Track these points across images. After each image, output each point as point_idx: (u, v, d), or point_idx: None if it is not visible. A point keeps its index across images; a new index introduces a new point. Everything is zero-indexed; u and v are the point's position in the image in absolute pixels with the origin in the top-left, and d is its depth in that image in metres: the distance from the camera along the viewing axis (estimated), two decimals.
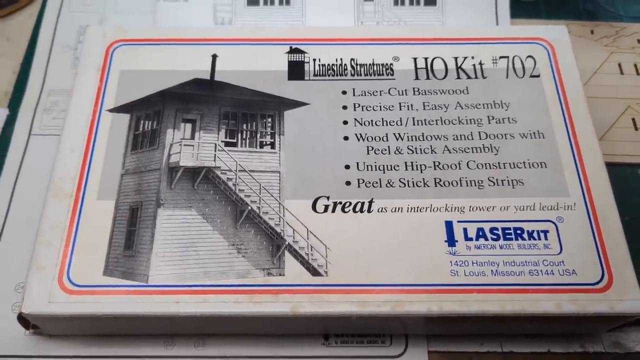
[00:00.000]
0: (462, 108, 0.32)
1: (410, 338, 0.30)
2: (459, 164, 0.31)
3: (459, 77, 0.33)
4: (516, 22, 0.41)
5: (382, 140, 0.31)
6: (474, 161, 0.31)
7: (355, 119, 0.32)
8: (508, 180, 0.30)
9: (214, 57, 0.34)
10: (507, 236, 0.29)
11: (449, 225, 0.29)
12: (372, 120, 0.32)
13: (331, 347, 0.30)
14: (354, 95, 0.33)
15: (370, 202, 0.29)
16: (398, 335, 0.30)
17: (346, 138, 0.31)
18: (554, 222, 0.29)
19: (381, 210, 0.29)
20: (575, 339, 0.30)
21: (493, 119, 0.32)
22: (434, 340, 0.30)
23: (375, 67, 0.34)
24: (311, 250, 0.28)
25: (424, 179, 0.30)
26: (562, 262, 0.28)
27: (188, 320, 0.27)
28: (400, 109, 0.32)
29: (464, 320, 0.27)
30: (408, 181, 0.30)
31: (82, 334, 0.30)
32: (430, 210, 0.29)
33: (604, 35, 0.41)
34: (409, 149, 0.31)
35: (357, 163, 0.31)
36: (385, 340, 0.30)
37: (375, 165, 0.30)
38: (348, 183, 0.30)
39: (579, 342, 0.30)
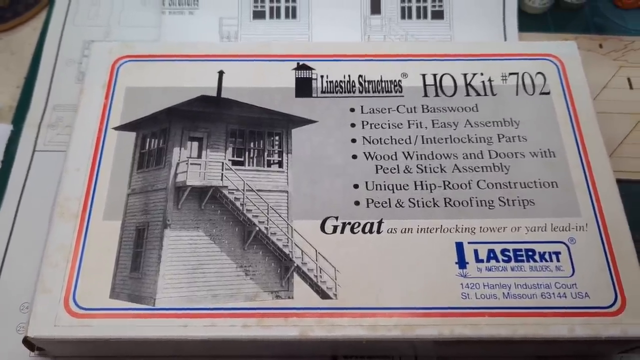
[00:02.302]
0: (471, 126, 0.32)
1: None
2: (469, 183, 0.30)
3: (468, 94, 0.33)
4: (524, 36, 0.40)
5: (391, 159, 0.31)
6: (484, 180, 0.30)
7: (364, 137, 0.32)
8: (519, 201, 0.30)
9: (221, 73, 0.33)
10: (519, 258, 0.28)
11: (459, 246, 0.28)
12: (380, 139, 0.32)
13: None
14: (362, 112, 0.32)
15: (380, 223, 0.29)
16: (407, 356, 0.30)
17: (355, 157, 0.31)
18: (565, 244, 0.28)
19: (391, 231, 0.29)
20: None
21: (503, 137, 0.32)
22: None
23: (383, 83, 0.33)
24: (320, 272, 0.28)
25: (433, 198, 0.30)
26: (575, 284, 0.27)
27: (195, 344, 0.27)
28: (409, 127, 0.32)
29: (474, 342, 0.27)
30: (418, 201, 0.30)
31: (88, 355, 0.30)
32: (441, 231, 0.29)
33: (613, 49, 0.40)
34: (418, 167, 0.31)
35: (366, 182, 0.30)
36: None
37: (385, 185, 0.30)
38: (357, 203, 0.30)
39: None
